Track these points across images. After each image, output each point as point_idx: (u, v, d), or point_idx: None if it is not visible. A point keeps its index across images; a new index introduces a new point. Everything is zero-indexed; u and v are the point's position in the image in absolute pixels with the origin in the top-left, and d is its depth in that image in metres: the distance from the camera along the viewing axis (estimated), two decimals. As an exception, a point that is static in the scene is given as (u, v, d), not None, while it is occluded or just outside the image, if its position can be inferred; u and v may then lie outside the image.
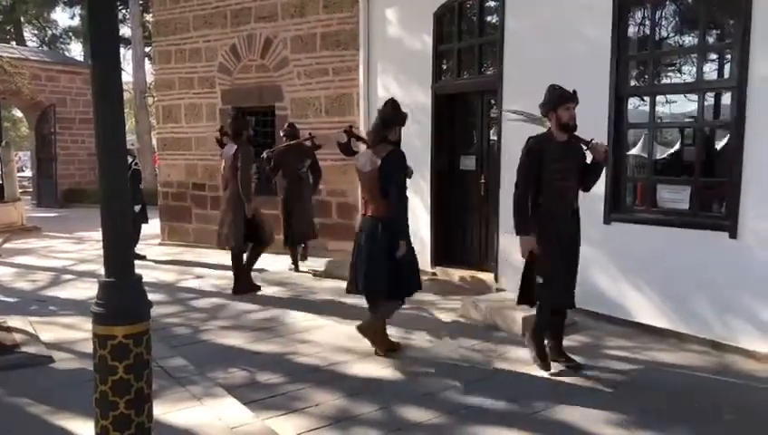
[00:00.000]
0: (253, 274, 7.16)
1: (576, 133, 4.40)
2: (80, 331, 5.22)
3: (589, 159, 4.47)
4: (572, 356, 4.62)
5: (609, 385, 4.29)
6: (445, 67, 7.71)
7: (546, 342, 4.59)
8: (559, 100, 4.34)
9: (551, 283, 4.37)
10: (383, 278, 4.70)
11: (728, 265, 4.77)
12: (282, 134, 8.33)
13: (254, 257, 7.08)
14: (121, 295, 2.54)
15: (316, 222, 8.44)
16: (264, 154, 8.24)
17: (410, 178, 4.98)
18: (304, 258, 8.41)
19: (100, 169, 2.55)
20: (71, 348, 4.96)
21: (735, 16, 4.77)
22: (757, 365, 4.59)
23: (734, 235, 4.74)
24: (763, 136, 4.55)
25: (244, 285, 6.95)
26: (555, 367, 4.50)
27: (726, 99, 5.15)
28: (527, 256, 4.43)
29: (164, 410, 3.71)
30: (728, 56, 5.24)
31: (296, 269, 8.17)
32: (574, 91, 4.37)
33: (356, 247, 4.90)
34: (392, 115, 4.83)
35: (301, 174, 8.00)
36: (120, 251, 2.57)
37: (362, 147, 5.37)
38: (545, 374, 4.45)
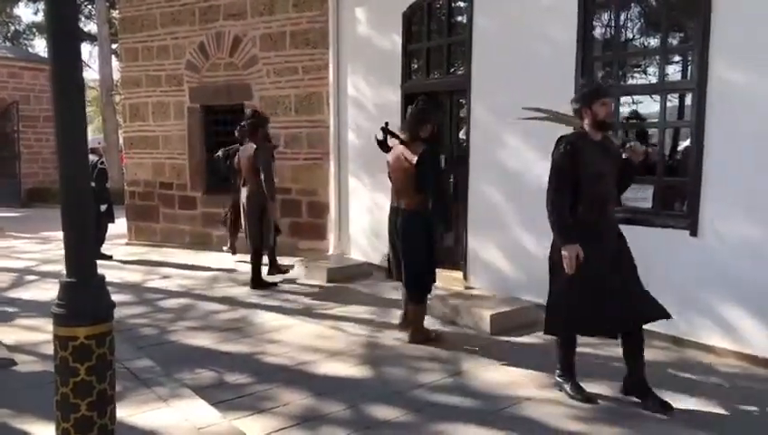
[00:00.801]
0: (223, 273, 7.12)
1: (605, 134, 4.03)
2: (43, 332, 5.11)
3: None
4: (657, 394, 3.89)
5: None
6: (414, 67, 7.74)
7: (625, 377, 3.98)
8: (594, 94, 3.87)
9: (587, 306, 3.82)
10: (420, 267, 5.02)
11: (690, 263, 4.88)
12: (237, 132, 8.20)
13: (258, 257, 7.16)
14: (83, 296, 2.50)
15: (287, 221, 8.46)
16: (220, 152, 8.46)
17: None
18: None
19: (61, 167, 2.50)
20: (34, 350, 4.87)
21: (695, 19, 4.87)
22: (716, 359, 4.70)
23: (694, 233, 4.85)
24: (721, 136, 4.67)
25: (258, 282, 7.11)
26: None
27: (689, 100, 5.26)
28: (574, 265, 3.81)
29: (129, 412, 3.67)
30: (690, 58, 5.36)
31: (233, 252, 8.62)
32: (609, 85, 4.05)
33: (390, 238, 5.22)
34: (424, 113, 5.06)
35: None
36: (81, 251, 2.53)
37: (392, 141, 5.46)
38: (510, 372, 4.50)
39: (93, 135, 26.56)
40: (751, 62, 4.52)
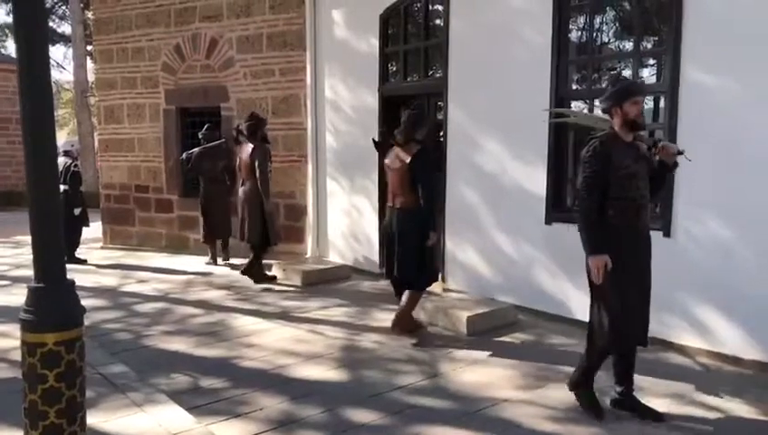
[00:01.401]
0: (199, 277, 7.07)
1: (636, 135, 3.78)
2: (13, 339, 4.99)
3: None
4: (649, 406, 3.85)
5: (553, 381, 4.38)
6: (392, 69, 7.75)
7: (618, 390, 3.87)
8: (625, 93, 3.64)
9: (619, 319, 3.63)
10: (414, 264, 5.16)
11: (662, 263, 4.89)
12: (201, 135, 8.64)
13: (261, 253, 7.39)
14: (52, 301, 2.46)
15: None
16: (184, 156, 8.69)
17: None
18: (226, 260, 8.68)
19: (28, 170, 2.46)
20: (4, 357, 4.79)
21: (667, 23, 4.94)
22: (687, 358, 4.77)
23: (667, 233, 4.91)
24: (693, 138, 4.72)
25: (260, 276, 7.35)
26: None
27: (663, 102, 5.33)
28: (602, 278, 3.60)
29: (102, 419, 3.62)
30: (663, 62, 5.44)
31: (214, 263, 8.61)
32: (642, 82, 3.85)
33: (386, 237, 5.38)
34: (420, 117, 5.35)
35: (216, 175, 8.46)
36: (50, 255, 2.49)
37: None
38: (487, 373, 4.52)
39: (68, 137, 26.23)
40: (721, 66, 4.60)
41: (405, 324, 5.31)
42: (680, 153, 3.67)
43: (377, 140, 5.58)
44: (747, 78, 4.47)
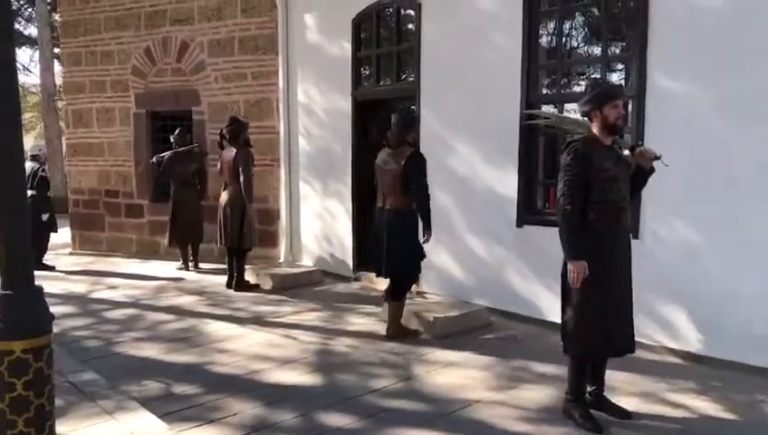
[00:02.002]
0: (171, 282, 7.02)
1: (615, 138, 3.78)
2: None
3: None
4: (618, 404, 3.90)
5: (526, 382, 4.43)
6: (365, 73, 7.77)
7: (589, 390, 3.85)
8: (605, 96, 3.62)
9: (596, 326, 3.62)
10: (404, 263, 5.31)
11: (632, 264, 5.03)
12: (173, 139, 8.66)
13: (243, 260, 7.43)
14: (19, 308, 2.43)
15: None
16: (154, 159, 8.69)
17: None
18: (196, 265, 8.64)
19: (-5, 175, 2.43)
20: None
21: (634, 29, 5.04)
22: (656, 357, 4.86)
23: (636, 235, 5.00)
24: (659, 143, 4.80)
25: (244, 285, 7.37)
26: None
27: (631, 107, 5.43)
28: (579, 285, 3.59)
29: (72, 427, 3.56)
30: (631, 67, 5.54)
31: (186, 268, 8.57)
32: (620, 85, 3.81)
33: (376, 236, 5.42)
34: (410, 120, 5.55)
35: (187, 179, 8.46)
36: (18, 261, 2.45)
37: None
38: (460, 375, 4.55)
39: (35, 141, 25.72)
40: (686, 73, 4.71)
41: (397, 332, 5.41)
42: (657, 158, 3.67)
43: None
44: (712, 84, 4.58)
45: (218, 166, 7.52)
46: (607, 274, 3.62)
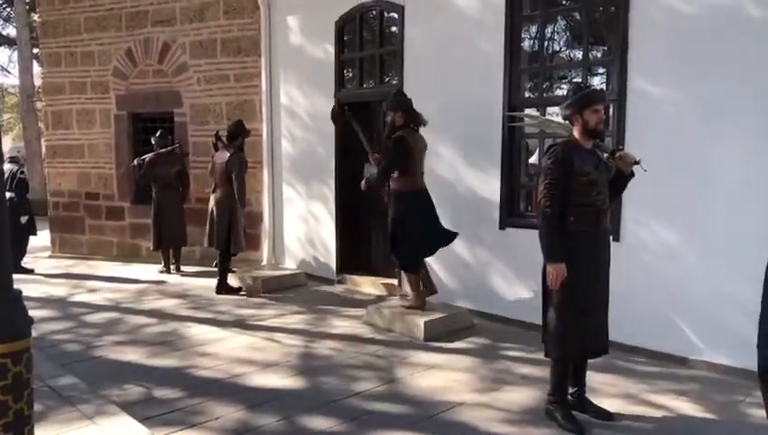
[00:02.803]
0: (152, 285, 6.96)
1: (596, 142, 3.79)
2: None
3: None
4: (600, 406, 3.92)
5: (509, 384, 4.45)
6: (349, 76, 7.77)
7: (570, 392, 3.88)
8: (586, 101, 3.64)
9: (581, 327, 3.67)
10: (406, 241, 5.68)
11: (613, 266, 5.06)
12: (154, 140, 8.59)
13: (226, 263, 7.36)
14: (-3, 312, 2.39)
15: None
16: (135, 162, 8.60)
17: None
18: (178, 269, 8.59)
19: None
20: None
21: (614, 33, 5.10)
22: (637, 358, 4.90)
23: (617, 237, 5.05)
24: (640, 146, 4.87)
25: (225, 288, 7.31)
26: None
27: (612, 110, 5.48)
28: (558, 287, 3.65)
29: (52, 432, 3.52)
30: (611, 71, 5.60)
31: (167, 271, 8.50)
32: (602, 90, 3.83)
33: (431, 216, 5.74)
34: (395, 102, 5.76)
35: (170, 181, 8.43)
36: (-5, 265, 2.42)
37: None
38: (443, 377, 4.56)
39: (13, 143, 25.40)
40: (665, 75, 4.77)
41: (418, 303, 5.78)
42: (636, 163, 3.68)
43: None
44: (690, 88, 4.65)
45: (209, 167, 7.45)
46: (585, 276, 3.66)
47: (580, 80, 5.65)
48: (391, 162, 5.59)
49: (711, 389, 4.31)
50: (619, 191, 3.94)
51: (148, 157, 8.42)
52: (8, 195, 8.49)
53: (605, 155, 3.76)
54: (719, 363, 4.56)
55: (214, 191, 7.27)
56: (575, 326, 3.67)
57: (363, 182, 5.90)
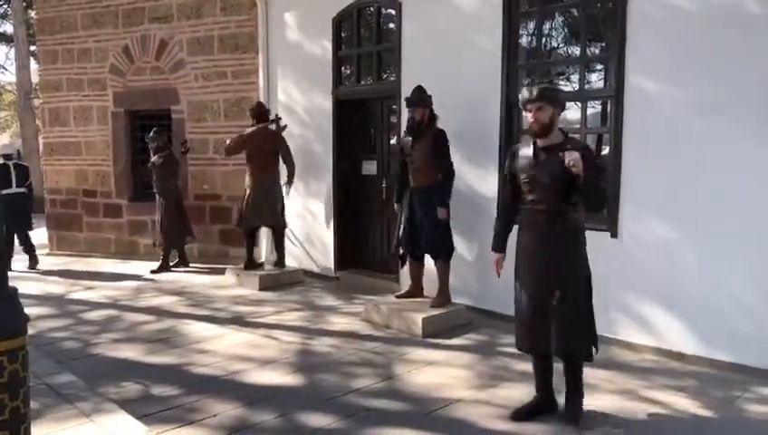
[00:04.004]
0: (150, 283, 6.95)
1: (570, 137, 3.68)
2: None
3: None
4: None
5: (506, 380, 4.45)
6: (347, 72, 7.76)
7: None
8: (522, 102, 3.66)
9: (524, 321, 3.77)
10: (443, 232, 5.77)
11: (610, 263, 5.07)
12: (149, 140, 8.54)
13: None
14: (-7, 310, 2.39)
15: (217, 228, 8.62)
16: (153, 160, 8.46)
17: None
18: (186, 264, 8.62)
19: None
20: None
21: (612, 29, 5.09)
22: (635, 355, 4.91)
23: (614, 234, 5.06)
24: (638, 143, 4.90)
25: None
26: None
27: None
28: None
29: (49, 430, 3.51)
30: (609, 67, 5.59)
31: (167, 270, 8.48)
32: (529, 87, 3.71)
33: (410, 216, 5.82)
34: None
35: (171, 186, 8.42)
36: (-9, 262, 2.41)
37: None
38: (441, 374, 4.56)
39: (11, 140, 25.33)
40: (663, 72, 4.76)
41: (443, 300, 5.84)
42: (565, 163, 3.42)
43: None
44: (688, 85, 4.64)
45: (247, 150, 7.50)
46: (524, 275, 3.76)
47: (577, 76, 5.64)
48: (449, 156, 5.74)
49: (709, 384, 4.31)
50: (582, 195, 3.57)
51: (156, 159, 8.33)
52: (20, 190, 8.58)
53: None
54: (717, 359, 4.56)
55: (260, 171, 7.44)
56: (520, 320, 3.82)
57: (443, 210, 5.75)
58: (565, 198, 3.59)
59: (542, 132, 3.61)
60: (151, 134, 8.49)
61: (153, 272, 8.30)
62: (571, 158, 3.40)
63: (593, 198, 3.61)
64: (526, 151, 3.70)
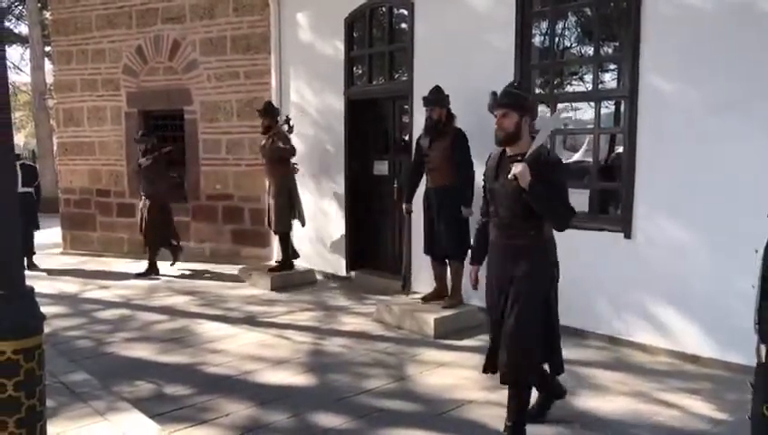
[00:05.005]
0: (162, 282, 6.96)
1: (541, 146, 3.33)
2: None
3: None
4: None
5: (516, 382, 4.43)
6: (358, 72, 7.76)
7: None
8: (488, 106, 3.55)
9: (492, 334, 3.59)
10: (461, 230, 5.67)
11: (623, 264, 5.05)
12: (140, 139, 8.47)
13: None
14: (10, 309, 2.41)
15: (229, 228, 8.55)
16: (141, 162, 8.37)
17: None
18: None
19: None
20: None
21: (626, 29, 5.06)
22: (648, 356, 4.88)
23: (628, 235, 5.02)
24: (652, 143, 4.86)
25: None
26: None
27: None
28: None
29: (63, 428, 3.54)
30: (623, 67, 5.56)
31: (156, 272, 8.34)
32: (493, 94, 3.54)
33: (429, 216, 5.80)
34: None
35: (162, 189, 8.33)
36: (7, 262, 2.43)
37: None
38: (453, 375, 4.55)
39: (26, 140, 25.55)
40: (677, 72, 4.72)
41: (455, 301, 5.83)
42: (510, 175, 3.27)
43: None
44: (703, 84, 4.60)
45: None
46: (490, 286, 3.56)
47: (590, 76, 5.61)
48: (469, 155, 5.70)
49: (723, 387, 4.27)
50: (542, 210, 3.30)
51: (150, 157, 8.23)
52: (27, 190, 8.61)
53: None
54: (731, 362, 4.52)
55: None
56: (491, 332, 3.59)
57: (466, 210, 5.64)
58: (523, 212, 3.32)
59: (508, 140, 3.38)
60: (139, 136, 8.43)
61: (139, 275, 8.16)
62: (516, 170, 3.21)
63: (547, 214, 3.30)
64: (494, 160, 3.51)
